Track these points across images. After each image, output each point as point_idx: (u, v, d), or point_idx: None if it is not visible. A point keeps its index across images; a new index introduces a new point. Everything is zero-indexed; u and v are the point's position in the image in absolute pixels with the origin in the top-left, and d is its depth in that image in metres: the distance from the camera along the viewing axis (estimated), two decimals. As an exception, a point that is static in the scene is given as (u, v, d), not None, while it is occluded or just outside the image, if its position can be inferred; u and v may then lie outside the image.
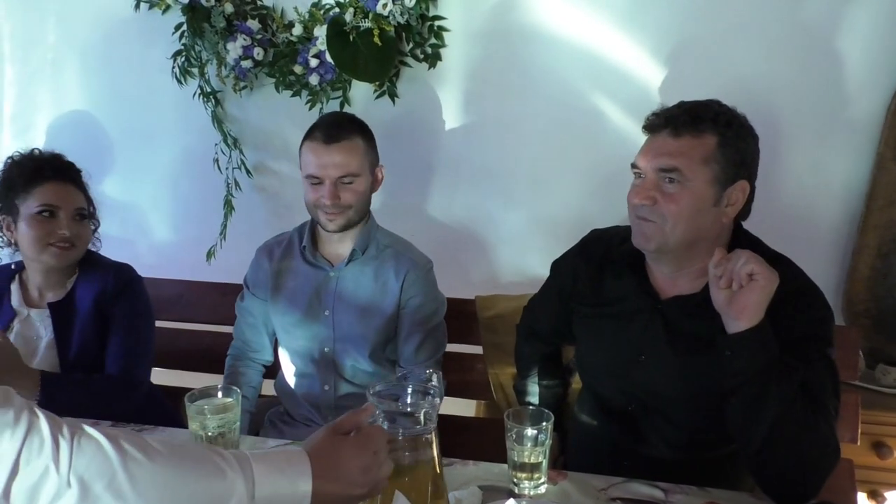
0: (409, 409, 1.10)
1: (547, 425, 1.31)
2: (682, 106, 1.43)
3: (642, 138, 1.49)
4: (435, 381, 1.16)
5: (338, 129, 1.77)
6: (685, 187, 1.37)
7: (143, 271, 1.93)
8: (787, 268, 1.41)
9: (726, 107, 1.42)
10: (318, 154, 1.76)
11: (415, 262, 1.86)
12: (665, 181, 1.39)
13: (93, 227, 1.87)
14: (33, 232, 1.74)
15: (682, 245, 1.41)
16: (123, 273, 1.86)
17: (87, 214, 1.81)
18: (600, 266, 1.59)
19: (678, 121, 1.39)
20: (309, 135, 1.80)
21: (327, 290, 1.86)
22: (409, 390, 1.14)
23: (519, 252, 2.44)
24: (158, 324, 1.97)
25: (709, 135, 1.38)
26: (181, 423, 1.77)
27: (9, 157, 1.82)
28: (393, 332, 1.87)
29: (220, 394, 1.38)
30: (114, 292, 1.81)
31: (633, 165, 1.45)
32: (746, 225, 1.51)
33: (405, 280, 1.84)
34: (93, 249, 1.90)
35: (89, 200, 1.85)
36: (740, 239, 1.47)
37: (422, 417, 1.10)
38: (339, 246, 1.87)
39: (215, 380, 2.00)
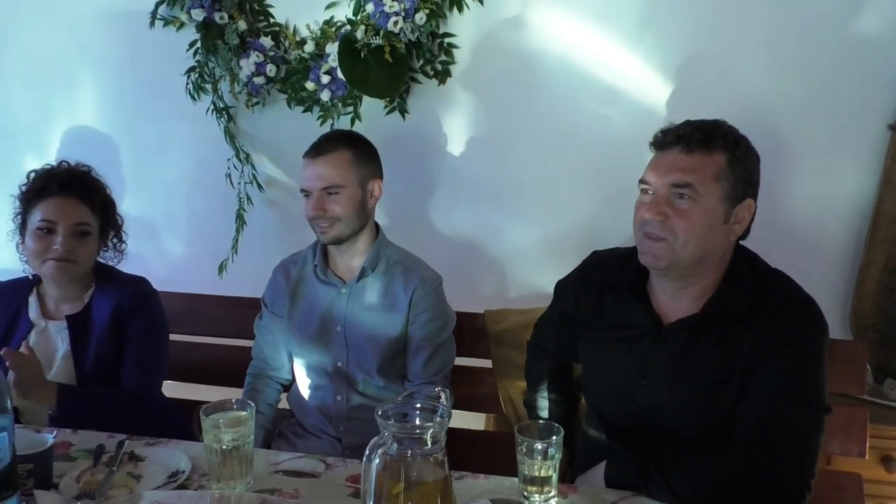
0: (417, 433, 1.10)
1: (557, 439, 1.32)
2: (692, 124, 1.45)
3: (649, 154, 1.50)
4: (443, 399, 1.17)
5: (326, 143, 1.85)
6: (697, 203, 1.39)
7: (156, 285, 1.95)
8: (781, 280, 1.46)
9: (733, 127, 1.45)
10: (306, 167, 1.85)
11: (423, 277, 1.89)
12: (676, 197, 1.40)
13: (107, 243, 1.89)
14: (33, 246, 1.77)
15: (692, 262, 1.43)
16: (140, 287, 1.88)
17: (89, 231, 1.80)
18: (601, 290, 1.59)
19: (690, 138, 1.41)
20: (305, 153, 1.88)
21: (339, 307, 1.90)
22: (418, 410, 1.15)
23: (527, 266, 2.45)
24: (170, 337, 1.98)
25: (719, 153, 1.40)
26: (193, 436, 1.80)
27: (31, 171, 1.85)
28: (402, 347, 1.90)
29: (234, 407, 1.40)
30: (130, 306, 1.82)
31: (642, 181, 1.46)
32: (753, 243, 1.53)
33: (413, 296, 1.86)
34: (108, 264, 1.92)
35: (103, 216, 1.86)
36: (739, 257, 1.49)
37: (429, 439, 1.11)
38: (350, 262, 1.91)
39: (226, 393, 2.02)
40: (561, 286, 1.73)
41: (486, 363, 2.11)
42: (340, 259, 1.92)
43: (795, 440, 1.34)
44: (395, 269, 1.90)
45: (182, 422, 1.96)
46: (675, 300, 1.50)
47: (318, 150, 1.84)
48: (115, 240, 1.93)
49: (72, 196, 1.79)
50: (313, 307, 1.92)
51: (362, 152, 1.87)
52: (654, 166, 1.45)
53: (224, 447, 1.34)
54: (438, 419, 1.12)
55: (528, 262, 2.45)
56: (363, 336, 1.88)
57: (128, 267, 1.97)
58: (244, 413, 1.39)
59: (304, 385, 1.97)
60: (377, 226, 1.96)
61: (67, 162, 1.87)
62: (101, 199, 1.86)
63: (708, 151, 1.40)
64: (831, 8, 2.08)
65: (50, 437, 1.38)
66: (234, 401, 1.41)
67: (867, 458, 1.78)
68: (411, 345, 1.89)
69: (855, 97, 2.11)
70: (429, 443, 1.11)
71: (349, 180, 1.83)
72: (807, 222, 2.21)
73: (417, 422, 1.13)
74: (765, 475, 1.32)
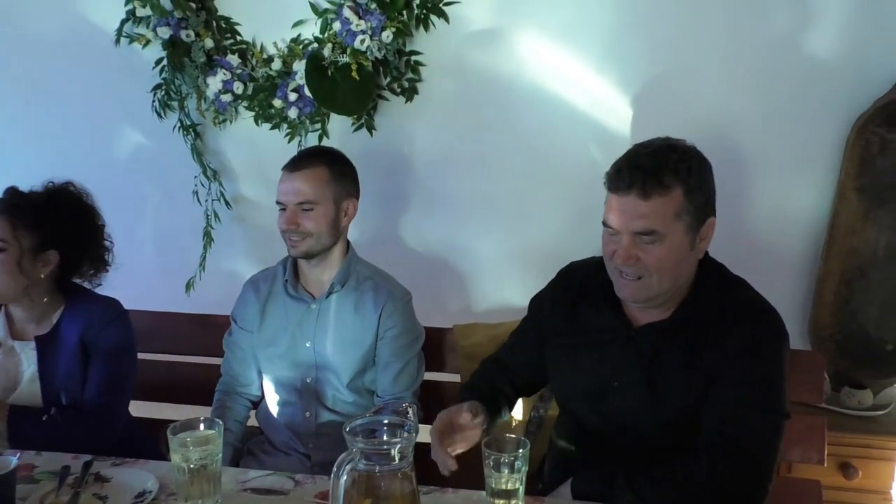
0: (384, 448, 1.12)
1: (524, 452, 1.34)
2: (640, 167, 1.42)
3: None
4: (411, 415, 1.19)
5: (306, 158, 1.88)
6: (664, 243, 1.42)
7: (122, 302, 1.93)
8: (745, 290, 1.52)
9: (680, 149, 1.45)
10: (283, 181, 1.86)
11: (393, 293, 1.90)
12: (643, 242, 1.43)
13: (71, 265, 1.85)
14: None
15: (668, 290, 1.48)
16: (110, 307, 1.86)
17: (3, 247, 1.73)
18: (576, 297, 1.63)
19: (645, 183, 1.40)
20: (283, 166, 1.89)
21: (308, 322, 1.90)
22: (385, 426, 1.16)
23: (496, 281, 2.48)
24: (137, 355, 1.95)
25: (675, 188, 1.41)
26: (161, 455, 1.78)
27: None
28: (372, 362, 1.91)
29: (202, 426, 1.40)
30: (99, 326, 1.80)
31: (606, 223, 1.47)
32: (713, 255, 1.57)
33: (383, 311, 1.88)
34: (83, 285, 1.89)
35: (40, 234, 1.77)
36: (706, 266, 1.54)
37: (396, 454, 1.12)
38: (320, 278, 1.92)
39: (194, 411, 2.00)
40: (536, 299, 1.75)
41: (456, 377, 2.13)
42: (311, 274, 1.93)
43: (755, 445, 1.39)
44: (364, 285, 1.91)
45: (149, 441, 1.95)
46: (645, 307, 1.54)
47: (296, 164, 1.86)
48: (87, 261, 1.89)
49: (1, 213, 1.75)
50: (283, 323, 1.92)
51: (340, 170, 1.89)
52: (616, 211, 1.45)
53: (192, 466, 1.34)
54: (405, 434, 1.14)
55: (496, 278, 2.48)
56: (333, 352, 1.89)
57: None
58: (212, 432, 1.39)
59: (272, 402, 1.96)
60: (348, 242, 1.97)
61: (52, 182, 1.85)
62: (37, 215, 1.78)
63: (664, 191, 1.40)
64: (787, 31, 2.14)
65: (13, 460, 1.37)
66: (201, 419, 1.41)
67: (826, 465, 1.82)
68: (380, 360, 1.90)
69: (810, 115, 2.18)
70: (396, 458, 1.12)
71: (323, 197, 1.84)
72: (767, 236, 2.27)
73: (385, 437, 1.14)
74: (725, 479, 1.37)
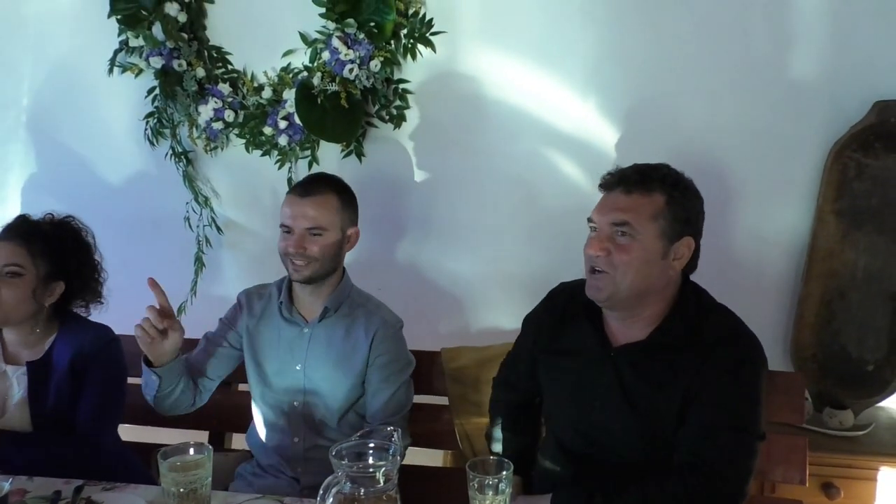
0: (369, 471, 1.14)
1: (507, 474, 1.36)
2: (635, 167, 1.55)
3: (599, 195, 1.59)
4: (395, 439, 1.22)
5: (314, 184, 1.90)
6: (635, 240, 1.48)
7: (113, 327, 1.95)
8: (724, 315, 1.56)
9: (675, 170, 1.56)
10: (291, 205, 1.87)
11: (385, 321, 1.93)
12: (618, 234, 1.50)
13: (73, 294, 1.88)
14: None
15: (632, 294, 1.51)
16: (101, 334, 1.88)
17: (20, 272, 1.77)
18: (562, 317, 1.68)
19: (630, 180, 1.52)
20: (290, 189, 1.92)
21: (300, 345, 1.92)
22: (371, 449, 1.19)
23: (483, 305, 2.52)
24: (128, 380, 1.95)
25: (657, 193, 1.50)
26: (151, 479, 1.80)
27: None
28: (361, 387, 1.93)
29: (191, 450, 1.42)
30: (90, 353, 1.83)
31: (590, 220, 1.56)
32: (698, 278, 1.62)
33: (375, 338, 1.90)
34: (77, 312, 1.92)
35: (51, 262, 1.82)
36: (686, 290, 1.58)
37: (381, 477, 1.15)
38: (314, 303, 1.94)
39: (184, 435, 2.02)
40: (528, 318, 1.80)
41: (443, 400, 2.15)
42: (305, 298, 1.95)
43: (729, 465, 1.43)
44: (357, 312, 1.94)
45: (139, 465, 1.96)
46: (625, 327, 1.58)
47: (307, 190, 1.87)
48: (85, 293, 1.92)
49: (4, 240, 1.80)
50: (274, 344, 1.94)
51: (347, 199, 1.92)
52: (599, 206, 1.56)
53: (181, 490, 1.36)
54: (390, 458, 1.17)
55: (483, 301, 2.51)
56: (323, 376, 1.91)
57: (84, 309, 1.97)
58: (201, 456, 1.41)
59: (260, 424, 1.98)
60: (343, 268, 1.99)
61: (52, 214, 1.90)
62: (49, 245, 1.83)
63: (646, 192, 1.50)
64: (766, 58, 2.20)
65: (5, 485, 1.39)
66: (191, 444, 1.43)
67: (808, 485, 1.84)
68: (370, 386, 1.92)
69: (789, 141, 2.23)
70: (381, 481, 1.15)
71: (333, 224, 1.87)
72: (748, 258, 2.32)
73: (370, 461, 1.17)
74: (699, 497, 1.41)
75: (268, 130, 2.42)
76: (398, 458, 1.18)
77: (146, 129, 2.54)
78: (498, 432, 1.82)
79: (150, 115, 2.53)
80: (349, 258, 2.07)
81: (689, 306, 1.56)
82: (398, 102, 2.40)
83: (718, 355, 1.48)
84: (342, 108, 2.30)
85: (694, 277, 1.62)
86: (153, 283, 1.73)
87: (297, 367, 1.92)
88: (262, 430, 1.98)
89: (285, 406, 1.93)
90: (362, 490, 1.15)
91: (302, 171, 2.47)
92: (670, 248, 1.51)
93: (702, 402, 1.46)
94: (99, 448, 1.80)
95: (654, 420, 1.50)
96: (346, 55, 2.27)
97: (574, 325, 1.65)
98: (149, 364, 1.77)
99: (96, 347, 1.84)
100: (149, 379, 1.79)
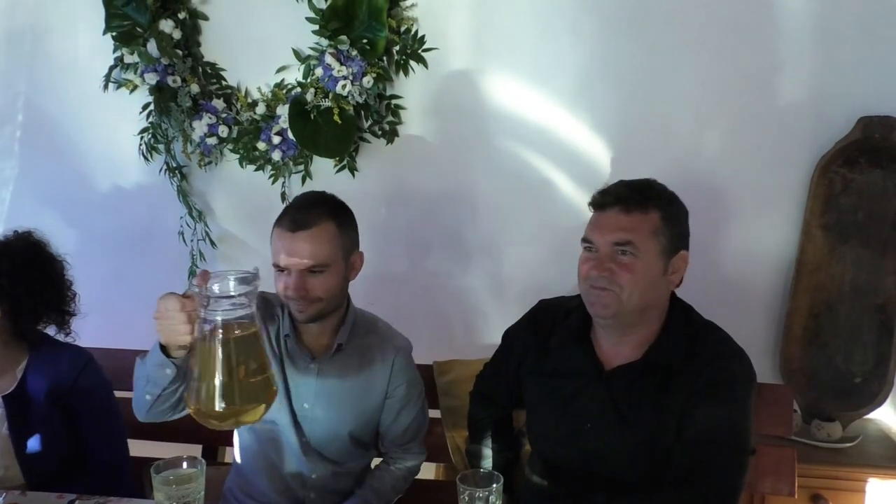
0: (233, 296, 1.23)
1: (497, 487, 1.37)
2: (627, 185, 1.55)
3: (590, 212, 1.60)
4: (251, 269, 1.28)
5: (306, 214, 1.61)
6: (638, 258, 1.49)
7: (105, 341, 1.96)
8: (714, 332, 1.57)
9: (662, 185, 1.57)
10: (283, 242, 1.60)
11: (399, 347, 1.81)
12: (619, 254, 1.50)
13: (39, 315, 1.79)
14: None
15: (636, 311, 1.52)
16: (75, 357, 1.79)
17: None
18: (548, 338, 1.68)
19: (628, 199, 1.51)
20: (278, 220, 1.65)
21: (307, 382, 1.73)
22: (231, 279, 1.25)
23: (475, 318, 2.53)
24: (118, 394, 1.91)
25: (654, 211, 1.51)
26: (144, 494, 1.80)
27: None
28: (375, 419, 1.82)
29: (184, 464, 1.43)
30: (69, 382, 1.75)
31: (585, 240, 1.55)
32: (689, 291, 1.63)
33: (394, 367, 1.78)
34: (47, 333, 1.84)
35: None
36: (676, 307, 1.60)
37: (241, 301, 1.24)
38: (322, 335, 1.75)
39: (177, 449, 2.01)
40: (509, 334, 1.80)
41: (435, 413, 2.16)
42: (312, 332, 1.74)
43: (720, 480, 1.45)
44: (368, 341, 1.77)
45: (132, 480, 1.96)
46: (616, 347, 1.58)
47: (298, 222, 1.59)
48: (47, 313, 1.79)
49: None
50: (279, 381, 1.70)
51: (345, 221, 1.68)
52: (596, 226, 1.54)
53: (174, 504, 1.37)
54: (246, 287, 1.24)
55: (474, 315, 2.53)
56: (335, 410, 1.75)
57: (78, 324, 1.91)
58: (194, 470, 1.42)
59: (261, 458, 1.80)
60: (348, 295, 1.79)
61: (16, 230, 1.80)
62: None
63: (644, 211, 1.50)
64: (754, 76, 2.24)
65: (-2, 500, 1.39)
66: (184, 458, 1.44)
67: (797, 496, 1.86)
68: (389, 414, 1.81)
69: (777, 157, 2.26)
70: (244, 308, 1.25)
71: (334, 257, 1.63)
72: (737, 273, 2.34)
73: (231, 286, 1.24)
74: None
75: (261, 146, 2.44)
76: (257, 283, 1.26)
77: (141, 145, 2.56)
78: (481, 449, 1.83)
79: (144, 130, 2.55)
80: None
81: (679, 324, 1.57)
82: (391, 118, 2.43)
83: (711, 372, 1.49)
84: (335, 124, 2.32)
85: (684, 291, 1.63)
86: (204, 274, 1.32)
87: (306, 406, 1.73)
88: (261, 463, 1.80)
89: (294, 444, 1.75)
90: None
91: (295, 185, 2.50)
92: (669, 263, 1.52)
93: (693, 420, 1.47)
94: (128, 474, 1.79)
95: (649, 441, 1.50)
96: (339, 71, 2.29)
97: (561, 346, 1.65)
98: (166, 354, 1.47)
99: (74, 372, 1.76)
100: (160, 374, 1.46)
